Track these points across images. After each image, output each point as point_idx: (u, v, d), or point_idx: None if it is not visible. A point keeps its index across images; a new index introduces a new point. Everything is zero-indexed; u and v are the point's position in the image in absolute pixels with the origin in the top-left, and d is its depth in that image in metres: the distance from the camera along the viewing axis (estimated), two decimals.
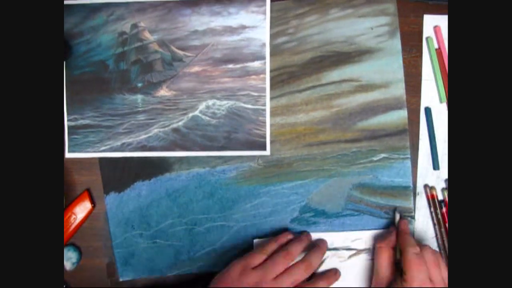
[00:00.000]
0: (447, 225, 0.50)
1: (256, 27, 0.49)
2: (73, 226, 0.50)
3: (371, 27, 0.50)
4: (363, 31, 0.50)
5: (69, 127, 0.51)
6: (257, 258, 0.45)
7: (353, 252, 0.50)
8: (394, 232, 0.47)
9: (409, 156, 0.50)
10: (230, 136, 0.50)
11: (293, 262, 0.45)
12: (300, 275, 0.44)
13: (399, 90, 0.50)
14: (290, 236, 0.48)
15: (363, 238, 0.50)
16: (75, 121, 0.50)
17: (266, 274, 0.43)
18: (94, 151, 0.50)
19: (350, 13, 0.50)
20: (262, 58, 0.50)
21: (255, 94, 0.50)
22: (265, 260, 0.45)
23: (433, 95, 0.50)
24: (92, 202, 0.51)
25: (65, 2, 0.49)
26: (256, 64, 0.50)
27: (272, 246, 0.47)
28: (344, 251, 0.50)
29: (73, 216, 0.50)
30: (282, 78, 0.50)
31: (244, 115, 0.50)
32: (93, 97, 0.50)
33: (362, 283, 0.50)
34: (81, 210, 0.50)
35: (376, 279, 0.46)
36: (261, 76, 0.50)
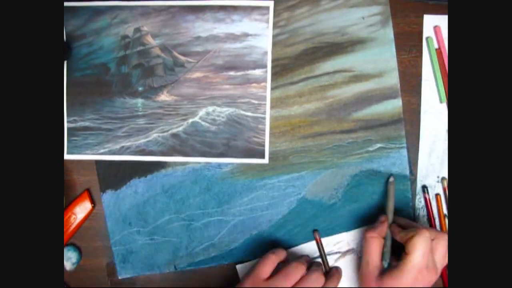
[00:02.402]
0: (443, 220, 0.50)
1: (258, 35, 0.49)
2: (73, 226, 0.50)
3: (362, 17, 0.49)
4: (355, 21, 0.49)
5: (68, 129, 0.50)
6: (267, 267, 0.45)
7: (339, 255, 0.50)
8: (386, 222, 0.46)
9: (405, 145, 0.50)
10: (229, 143, 0.50)
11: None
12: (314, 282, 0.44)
13: (392, 79, 0.50)
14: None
15: (345, 239, 0.50)
16: (75, 123, 0.50)
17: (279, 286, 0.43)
18: (93, 154, 0.50)
19: (341, 3, 0.49)
20: (264, 66, 0.49)
21: (255, 102, 0.50)
22: (278, 273, 0.45)
23: (433, 95, 0.50)
24: (92, 202, 0.51)
25: (68, 4, 0.49)
26: (258, 72, 0.50)
27: (282, 254, 0.47)
28: (330, 256, 0.50)
29: (73, 216, 0.50)
30: (275, 71, 0.50)
31: (243, 123, 0.50)
32: (94, 99, 0.50)
33: (354, 283, 0.50)
34: (81, 210, 0.50)
35: (367, 269, 0.45)
36: (262, 84, 0.50)
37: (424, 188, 0.50)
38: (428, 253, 0.41)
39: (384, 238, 0.46)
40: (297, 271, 0.44)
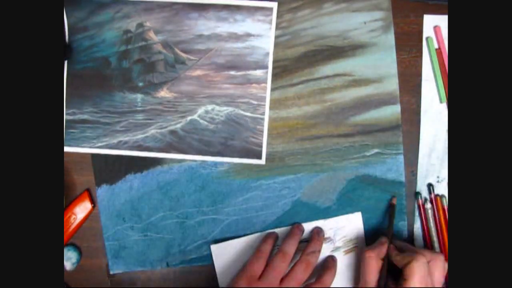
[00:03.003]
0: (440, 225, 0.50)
1: (261, 36, 0.49)
2: (73, 226, 0.50)
3: (364, 22, 0.49)
4: (357, 25, 0.50)
5: (66, 121, 0.50)
6: (258, 265, 0.46)
7: None
8: (385, 244, 0.46)
9: (401, 151, 0.50)
10: (226, 143, 0.50)
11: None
12: (301, 274, 0.45)
13: (392, 85, 0.50)
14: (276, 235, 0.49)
15: (323, 228, 0.50)
16: (73, 115, 0.50)
17: (272, 282, 0.44)
18: (90, 147, 0.50)
19: (343, 7, 0.50)
20: (265, 67, 0.49)
21: (255, 102, 0.50)
22: (266, 268, 0.45)
23: (433, 95, 0.50)
24: (92, 202, 0.51)
25: None
26: (258, 72, 0.50)
27: (267, 247, 0.47)
28: (303, 244, 0.49)
29: (73, 216, 0.50)
30: (275, 72, 0.50)
31: (242, 123, 0.50)
32: (93, 92, 0.50)
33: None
34: (81, 210, 0.50)
35: (364, 286, 0.45)
36: (262, 85, 0.50)
37: (418, 194, 0.50)
38: (426, 277, 0.42)
39: (382, 259, 0.45)
40: (282, 263, 0.45)
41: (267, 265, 0.46)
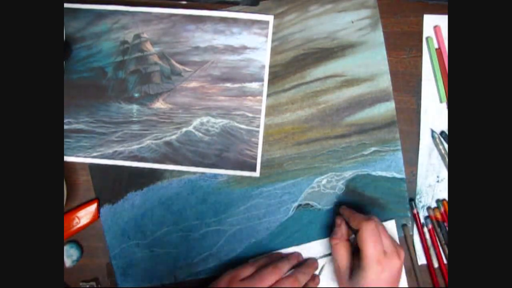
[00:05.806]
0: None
1: (257, 48, 0.49)
2: (74, 228, 0.51)
3: (351, 21, 0.49)
4: (344, 25, 0.49)
5: None
6: (246, 271, 0.46)
7: (330, 257, 0.50)
8: (343, 223, 0.46)
9: (399, 147, 0.50)
10: (221, 155, 0.50)
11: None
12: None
13: (384, 82, 0.50)
14: (281, 255, 0.50)
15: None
16: (69, 125, 0.51)
17: (253, 286, 0.44)
18: (85, 156, 0.51)
19: (330, 8, 0.49)
20: (260, 80, 0.49)
21: (250, 115, 0.50)
22: (252, 274, 0.46)
23: (433, 95, 0.50)
24: (99, 213, 0.51)
25: (71, 6, 0.49)
26: (254, 85, 0.49)
27: (262, 261, 0.48)
28: (318, 260, 0.50)
29: (76, 220, 0.50)
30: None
31: (237, 135, 0.50)
32: (89, 102, 0.50)
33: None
34: (86, 217, 0.50)
35: (339, 274, 0.45)
36: (258, 97, 0.50)
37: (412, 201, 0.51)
38: (378, 241, 0.41)
39: (348, 240, 0.46)
40: (271, 275, 0.45)
41: (255, 272, 0.46)
